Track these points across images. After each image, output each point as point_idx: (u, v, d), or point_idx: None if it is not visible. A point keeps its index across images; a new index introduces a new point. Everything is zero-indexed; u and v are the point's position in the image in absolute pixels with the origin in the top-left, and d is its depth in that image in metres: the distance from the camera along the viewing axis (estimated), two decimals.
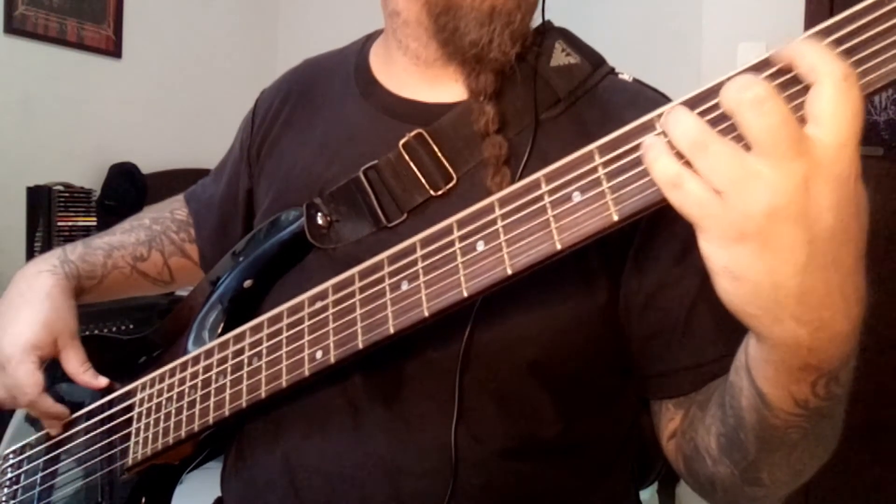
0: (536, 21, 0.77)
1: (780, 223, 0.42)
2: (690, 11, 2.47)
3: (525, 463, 0.69)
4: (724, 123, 0.44)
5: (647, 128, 0.48)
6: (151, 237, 0.95)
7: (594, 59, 0.75)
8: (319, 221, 0.75)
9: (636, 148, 0.47)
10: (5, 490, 0.87)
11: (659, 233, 0.66)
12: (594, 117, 0.71)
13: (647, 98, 0.74)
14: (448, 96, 0.74)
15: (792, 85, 0.43)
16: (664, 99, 0.74)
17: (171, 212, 0.99)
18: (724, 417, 0.58)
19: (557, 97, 0.72)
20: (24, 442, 0.88)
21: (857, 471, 2.27)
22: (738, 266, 0.44)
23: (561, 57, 0.73)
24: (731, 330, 0.67)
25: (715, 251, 0.44)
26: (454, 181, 0.70)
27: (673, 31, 2.54)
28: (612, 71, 0.76)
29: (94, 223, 2.47)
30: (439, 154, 0.71)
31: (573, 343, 0.68)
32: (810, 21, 2.28)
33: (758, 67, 0.44)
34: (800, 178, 0.41)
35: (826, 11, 2.26)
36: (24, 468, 0.87)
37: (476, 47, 0.69)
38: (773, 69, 0.43)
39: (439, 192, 0.70)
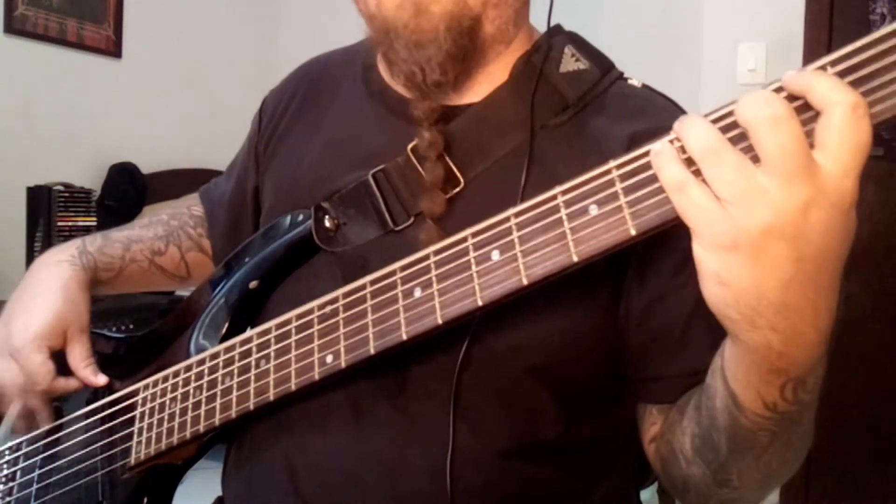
0: (539, 22, 0.77)
1: (775, 240, 0.44)
2: (690, 11, 2.47)
3: (525, 463, 0.69)
4: (734, 131, 0.45)
5: None
6: (169, 232, 0.96)
7: (603, 65, 0.75)
8: (327, 224, 0.75)
9: None
10: (0, 487, 0.87)
11: (662, 242, 0.67)
12: (601, 125, 0.71)
13: (656, 106, 0.74)
14: (453, 99, 0.74)
15: (802, 111, 0.44)
16: (673, 106, 0.75)
17: (189, 207, 0.99)
18: (700, 419, 0.60)
19: (566, 103, 0.72)
20: (20, 439, 0.88)
21: (856, 468, 2.28)
22: (726, 272, 0.46)
23: (570, 62, 0.73)
24: (724, 341, 0.68)
25: (707, 256, 0.46)
26: (461, 185, 0.70)
27: (673, 31, 2.55)
28: (621, 76, 0.75)
29: (94, 223, 2.47)
30: (447, 158, 0.71)
31: (575, 350, 0.68)
32: (810, 21, 2.28)
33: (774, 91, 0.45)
34: (802, 202, 0.43)
35: (826, 12, 2.26)
36: (21, 465, 0.86)
37: (407, 78, 0.71)
38: (785, 94, 0.44)
39: (447, 197, 0.70)
